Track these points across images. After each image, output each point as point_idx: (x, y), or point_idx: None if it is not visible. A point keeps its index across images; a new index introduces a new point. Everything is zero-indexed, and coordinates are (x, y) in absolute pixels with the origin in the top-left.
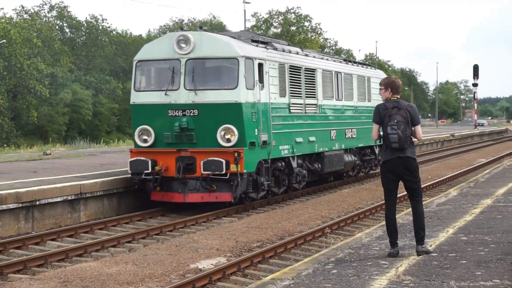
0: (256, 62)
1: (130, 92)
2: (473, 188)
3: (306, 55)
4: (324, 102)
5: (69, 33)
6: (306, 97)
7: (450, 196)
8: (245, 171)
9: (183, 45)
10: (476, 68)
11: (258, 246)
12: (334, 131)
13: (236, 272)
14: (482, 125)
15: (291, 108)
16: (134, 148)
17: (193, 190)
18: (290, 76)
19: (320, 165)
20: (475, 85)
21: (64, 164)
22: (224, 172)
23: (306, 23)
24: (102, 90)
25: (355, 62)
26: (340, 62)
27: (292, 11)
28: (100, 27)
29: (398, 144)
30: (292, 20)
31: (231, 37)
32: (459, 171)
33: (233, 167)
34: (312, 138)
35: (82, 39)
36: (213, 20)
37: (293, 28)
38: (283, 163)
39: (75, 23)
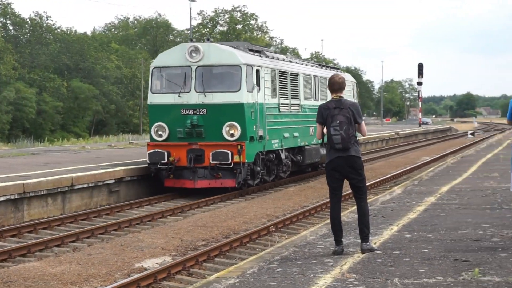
0: (255, 69)
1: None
2: (417, 186)
3: (290, 61)
4: (305, 102)
5: (12, 31)
6: (292, 98)
7: (394, 194)
8: (246, 161)
9: (194, 54)
10: (420, 67)
11: (204, 245)
12: (313, 127)
13: (181, 271)
14: (427, 123)
15: (280, 107)
16: (151, 142)
17: (202, 178)
18: (279, 80)
19: (301, 157)
20: (419, 83)
21: (7, 163)
22: (229, 162)
23: (252, 22)
24: (46, 88)
25: (327, 67)
26: (316, 67)
27: (238, 9)
28: (44, 24)
29: (342, 145)
30: (238, 18)
31: (232, 47)
32: (404, 169)
33: (236, 158)
34: (296, 134)
35: (26, 36)
36: (158, 18)
37: (239, 26)
38: (274, 155)
39: (18, 20)
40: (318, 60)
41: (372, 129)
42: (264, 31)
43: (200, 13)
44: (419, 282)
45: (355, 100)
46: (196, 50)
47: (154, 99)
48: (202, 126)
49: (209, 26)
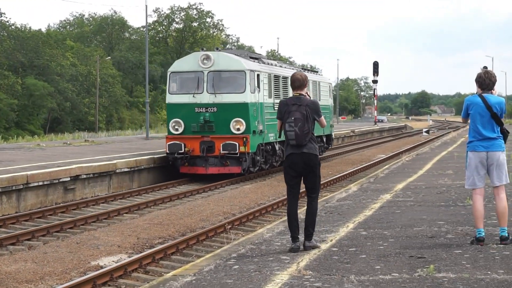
0: (256, 73)
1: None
2: (373, 183)
3: (281, 66)
4: None
5: None
6: (283, 97)
7: (350, 192)
8: (250, 151)
9: (206, 61)
10: (376, 65)
11: (160, 243)
12: None
13: (138, 269)
14: (382, 121)
15: (275, 106)
16: (169, 135)
17: (213, 165)
18: (274, 83)
19: None
20: (375, 81)
21: None
22: (236, 151)
23: (208, 19)
24: (0, 85)
25: (310, 70)
26: (300, 70)
27: (194, 7)
28: None
29: (296, 141)
30: (194, 16)
31: (236, 55)
32: (359, 167)
33: (242, 148)
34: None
35: None
36: (114, 15)
37: (195, 24)
38: (270, 147)
39: None
40: (274, 57)
41: None
42: (220, 29)
43: (156, 11)
44: (375, 279)
45: (331, 99)
46: (208, 57)
47: (171, 99)
48: (213, 121)
49: (165, 23)
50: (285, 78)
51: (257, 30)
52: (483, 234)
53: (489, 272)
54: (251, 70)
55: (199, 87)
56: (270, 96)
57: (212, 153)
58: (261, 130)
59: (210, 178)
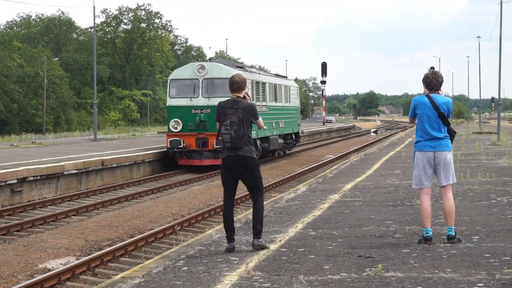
0: (248, 81)
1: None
2: (321, 183)
3: (259, 73)
4: (270, 104)
5: None
6: (262, 100)
7: (299, 192)
8: None
9: (201, 70)
10: (324, 66)
11: (108, 245)
12: (274, 122)
13: (86, 271)
14: (330, 121)
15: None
16: (169, 133)
17: (207, 158)
18: (255, 88)
19: (267, 145)
20: (323, 82)
21: None
22: None
23: (157, 20)
24: None
25: (281, 76)
26: (273, 76)
27: (142, 8)
28: None
29: (231, 144)
30: (142, 17)
31: (225, 64)
32: (308, 167)
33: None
34: (265, 127)
35: None
36: (61, 16)
37: (144, 25)
38: (257, 142)
39: None
40: (223, 57)
41: None
42: (169, 29)
43: (104, 11)
44: (324, 279)
45: (298, 101)
46: (202, 67)
47: (171, 102)
48: (207, 121)
49: (113, 24)
50: (264, 83)
51: (206, 31)
52: (431, 233)
53: (437, 271)
54: None
55: (195, 92)
56: (252, 100)
57: (206, 148)
58: None
59: (204, 169)
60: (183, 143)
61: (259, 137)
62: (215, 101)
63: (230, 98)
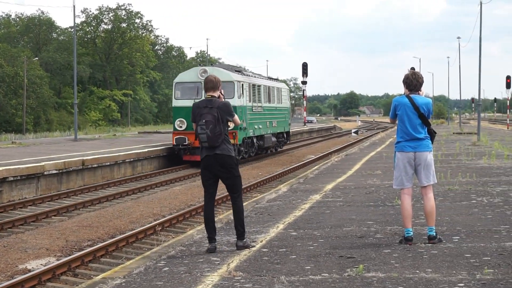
0: (240, 83)
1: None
2: (302, 184)
3: (255, 76)
4: (264, 105)
5: None
6: (258, 101)
7: (280, 192)
8: (238, 143)
9: (203, 74)
10: (305, 66)
11: (89, 245)
12: (268, 121)
13: (67, 272)
14: (311, 122)
15: (253, 108)
16: (175, 131)
17: None
18: (252, 90)
19: (262, 142)
20: (304, 82)
21: None
22: None
23: (137, 20)
24: None
25: (273, 79)
26: (267, 79)
27: (123, 7)
28: None
29: (208, 143)
30: (123, 17)
31: (225, 69)
32: (289, 167)
33: (232, 141)
34: (260, 126)
35: None
36: (41, 15)
37: (124, 24)
38: (250, 140)
39: None
40: (203, 58)
41: None
42: (149, 29)
43: (84, 11)
44: (305, 279)
45: (289, 102)
46: (205, 71)
47: (177, 103)
48: None
49: (93, 24)
50: (259, 86)
51: (186, 31)
52: (411, 233)
53: (418, 271)
54: (237, 81)
55: (198, 94)
56: (250, 101)
57: None
58: (245, 127)
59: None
60: (188, 140)
61: (255, 135)
62: None
63: (204, 98)
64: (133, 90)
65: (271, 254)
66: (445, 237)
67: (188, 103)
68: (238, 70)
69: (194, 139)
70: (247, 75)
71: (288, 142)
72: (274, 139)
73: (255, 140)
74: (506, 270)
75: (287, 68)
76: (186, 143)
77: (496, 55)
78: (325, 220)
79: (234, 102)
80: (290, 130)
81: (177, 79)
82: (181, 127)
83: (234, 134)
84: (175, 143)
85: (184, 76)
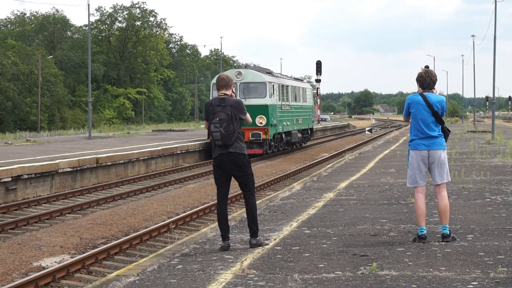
0: (271, 84)
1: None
2: (316, 182)
3: (283, 77)
4: (291, 103)
5: None
6: (286, 100)
7: (294, 190)
8: (269, 138)
9: (238, 76)
10: (319, 64)
11: (103, 243)
12: (295, 119)
13: (81, 269)
14: (325, 120)
15: (282, 107)
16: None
17: None
18: (280, 90)
19: (290, 138)
20: (318, 81)
21: None
22: (260, 138)
23: (151, 18)
24: None
25: (299, 79)
26: (293, 80)
27: (137, 5)
28: None
29: (221, 141)
30: (137, 15)
31: (257, 71)
32: (303, 166)
33: (264, 136)
34: (288, 123)
35: None
36: (56, 14)
37: (138, 23)
38: (279, 136)
39: None
40: (217, 56)
41: None
42: (164, 28)
43: (99, 9)
44: (319, 277)
45: (313, 101)
46: (240, 73)
47: None
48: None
49: (108, 22)
50: (287, 86)
51: (201, 29)
52: (425, 232)
53: (431, 270)
54: (269, 82)
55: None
56: (279, 100)
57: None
58: (275, 124)
59: None
60: None
61: (284, 131)
62: (251, 101)
63: (217, 96)
64: (147, 88)
65: (285, 252)
66: (459, 236)
67: None
68: (269, 72)
69: (207, 137)
70: (276, 76)
71: (312, 138)
72: (300, 135)
73: (283, 135)
74: None
75: (300, 66)
76: None
77: (511, 53)
78: (338, 218)
79: (266, 101)
80: (314, 127)
81: (214, 81)
82: None
83: (266, 130)
84: (212, 138)
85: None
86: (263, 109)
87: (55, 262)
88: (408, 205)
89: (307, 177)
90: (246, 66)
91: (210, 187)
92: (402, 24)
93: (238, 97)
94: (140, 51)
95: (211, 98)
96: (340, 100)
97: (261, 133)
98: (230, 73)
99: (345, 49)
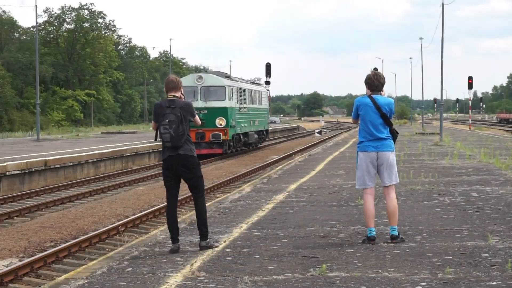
0: (230, 88)
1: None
2: (266, 184)
3: (240, 81)
4: (248, 106)
5: None
6: (243, 103)
7: (243, 193)
8: (228, 139)
9: (199, 80)
10: (268, 67)
11: (52, 246)
12: (252, 121)
13: (29, 273)
14: (275, 122)
15: (240, 109)
16: None
17: (204, 148)
18: (238, 93)
19: (247, 139)
20: (267, 83)
21: None
22: (220, 139)
23: (100, 20)
24: None
25: (255, 83)
26: (250, 83)
27: (85, 7)
28: None
29: (171, 143)
30: (85, 16)
31: (216, 75)
32: (253, 168)
33: (223, 137)
34: (245, 125)
35: None
36: (3, 15)
37: (87, 24)
38: (237, 136)
39: None
40: (167, 58)
41: None
42: (112, 29)
43: (46, 11)
44: (268, 279)
45: (268, 103)
46: (200, 77)
47: None
48: (204, 119)
49: (56, 23)
50: (244, 89)
51: (149, 31)
52: (374, 233)
53: (380, 271)
54: (228, 85)
55: (195, 97)
56: (237, 102)
57: (204, 140)
58: (234, 125)
59: (203, 156)
60: None
61: (242, 132)
62: (211, 104)
63: (166, 99)
64: (96, 90)
65: (235, 254)
66: (407, 237)
67: None
68: (228, 76)
69: (155, 139)
70: (234, 80)
71: (267, 139)
72: (256, 136)
73: (241, 136)
74: (467, 269)
75: (250, 68)
76: None
77: (458, 56)
78: (288, 220)
79: (225, 103)
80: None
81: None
82: None
83: (225, 131)
84: None
85: (183, 82)
86: (222, 111)
87: (3, 265)
88: (357, 206)
89: (257, 179)
90: (207, 71)
91: (160, 189)
92: (351, 27)
93: (198, 100)
94: (89, 52)
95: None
96: (289, 102)
97: (221, 133)
98: (192, 77)
99: (295, 51)
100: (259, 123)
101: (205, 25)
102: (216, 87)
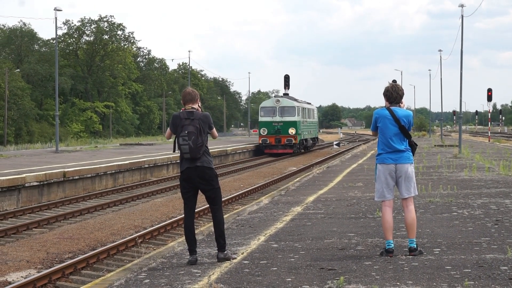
0: (299, 107)
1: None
2: (284, 196)
3: (302, 103)
4: (307, 120)
5: None
6: (304, 118)
7: (261, 204)
8: (297, 142)
9: (277, 102)
10: (287, 78)
11: (70, 257)
12: (309, 130)
13: (47, 284)
14: None
15: (302, 122)
16: (260, 135)
17: (280, 148)
18: (302, 111)
19: (306, 143)
20: (286, 95)
21: None
22: (292, 143)
23: (119, 32)
24: None
25: (309, 103)
26: (306, 103)
27: (105, 19)
28: None
29: (190, 154)
30: (105, 28)
31: (290, 99)
32: (271, 180)
33: (294, 141)
34: (306, 133)
35: None
36: (23, 27)
37: (106, 36)
38: (302, 141)
39: None
40: (185, 70)
41: (240, 140)
42: (131, 41)
43: (66, 23)
44: None
45: (317, 118)
46: (278, 100)
47: (262, 119)
48: (281, 129)
49: (75, 36)
50: (304, 108)
51: (168, 43)
52: (392, 245)
53: (398, 283)
54: (298, 106)
55: (274, 114)
56: (302, 117)
57: (280, 143)
58: (300, 133)
59: (279, 154)
60: (268, 141)
61: (304, 138)
62: (285, 118)
63: (183, 110)
64: (114, 102)
65: (252, 266)
66: (426, 249)
67: (269, 118)
68: (295, 99)
69: (173, 151)
70: (299, 102)
71: (317, 144)
72: (311, 141)
73: (304, 141)
74: (486, 282)
75: (268, 80)
76: (267, 142)
77: (477, 67)
78: (306, 232)
79: (296, 118)
80: (318, 136)
81: (261, 105)
82: (264, 132)
83: (295, 137)
84: (260, 142)
85: (265, 103)
86: (293, 124)
87: (21, 277)
88: (376, 219)
89: (275, 191)
90: (283, 96)
91: (177, 201)
92: (369, 39)
93: (276, 116)
94: (108, 64)
95: (259, 116)
96: None
97: (293, 139)
98: (272, 99)
99: (313, 63)
100: (313, 132)
101: (223, 37)
102: (289, 107)
